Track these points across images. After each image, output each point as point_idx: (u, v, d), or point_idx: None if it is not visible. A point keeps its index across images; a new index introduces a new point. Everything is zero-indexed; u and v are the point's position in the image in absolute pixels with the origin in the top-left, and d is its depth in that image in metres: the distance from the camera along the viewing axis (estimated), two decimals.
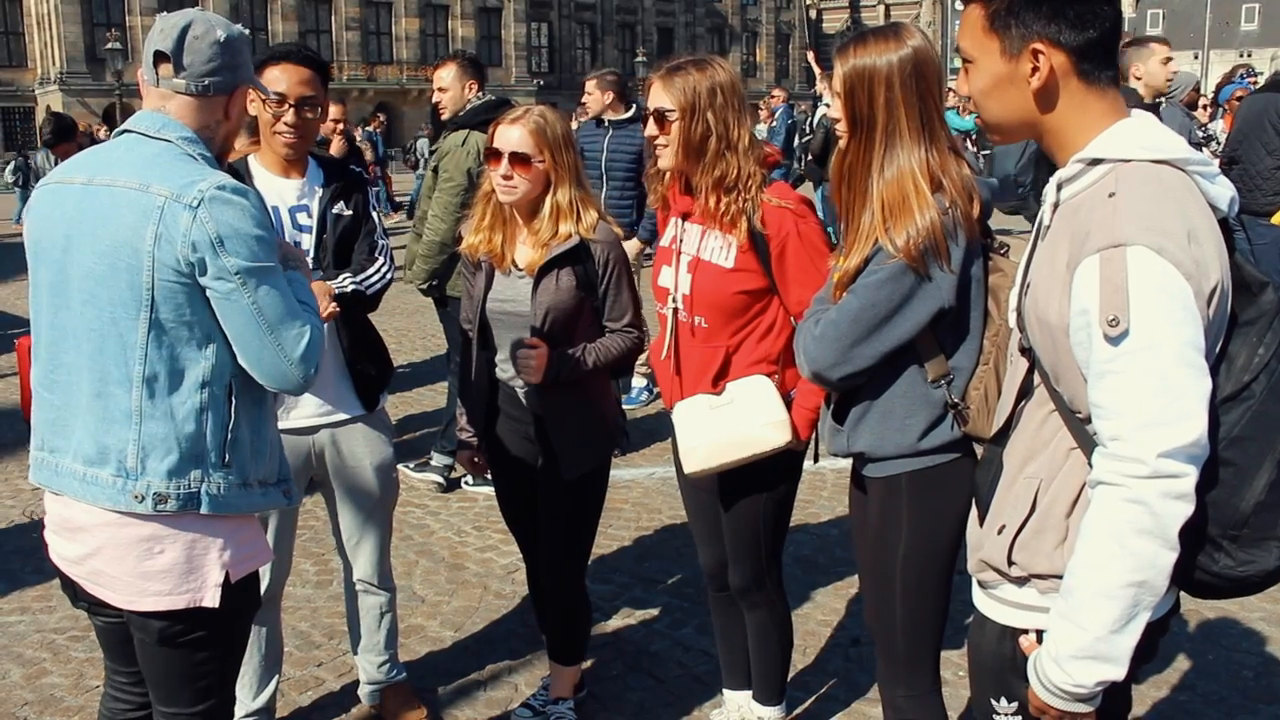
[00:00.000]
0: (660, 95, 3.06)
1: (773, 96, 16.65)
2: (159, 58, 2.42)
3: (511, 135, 3.30)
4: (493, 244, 3.44)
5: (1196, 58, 60.76)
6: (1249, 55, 61.64)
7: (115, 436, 2.36)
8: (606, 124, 7.41)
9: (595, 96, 7.48)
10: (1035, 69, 1.88)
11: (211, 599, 2.44)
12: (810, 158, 12.95)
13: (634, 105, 7.47)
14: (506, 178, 3.29)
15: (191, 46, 2.40)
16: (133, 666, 2.66)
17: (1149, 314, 1.70)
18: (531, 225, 3.37)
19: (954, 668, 3.84)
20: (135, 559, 2.41)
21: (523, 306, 3.39)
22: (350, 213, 3.47)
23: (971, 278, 2.57)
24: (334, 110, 7.44)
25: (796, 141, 14.46)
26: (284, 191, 3.40)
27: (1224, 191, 1.85)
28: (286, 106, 3.29)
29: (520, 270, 3.41)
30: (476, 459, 3.72)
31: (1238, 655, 4.26)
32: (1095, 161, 1.86)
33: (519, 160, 3.28)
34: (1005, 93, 1.94)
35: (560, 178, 3.32)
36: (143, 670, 2.61)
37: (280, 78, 3.27)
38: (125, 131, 2.45)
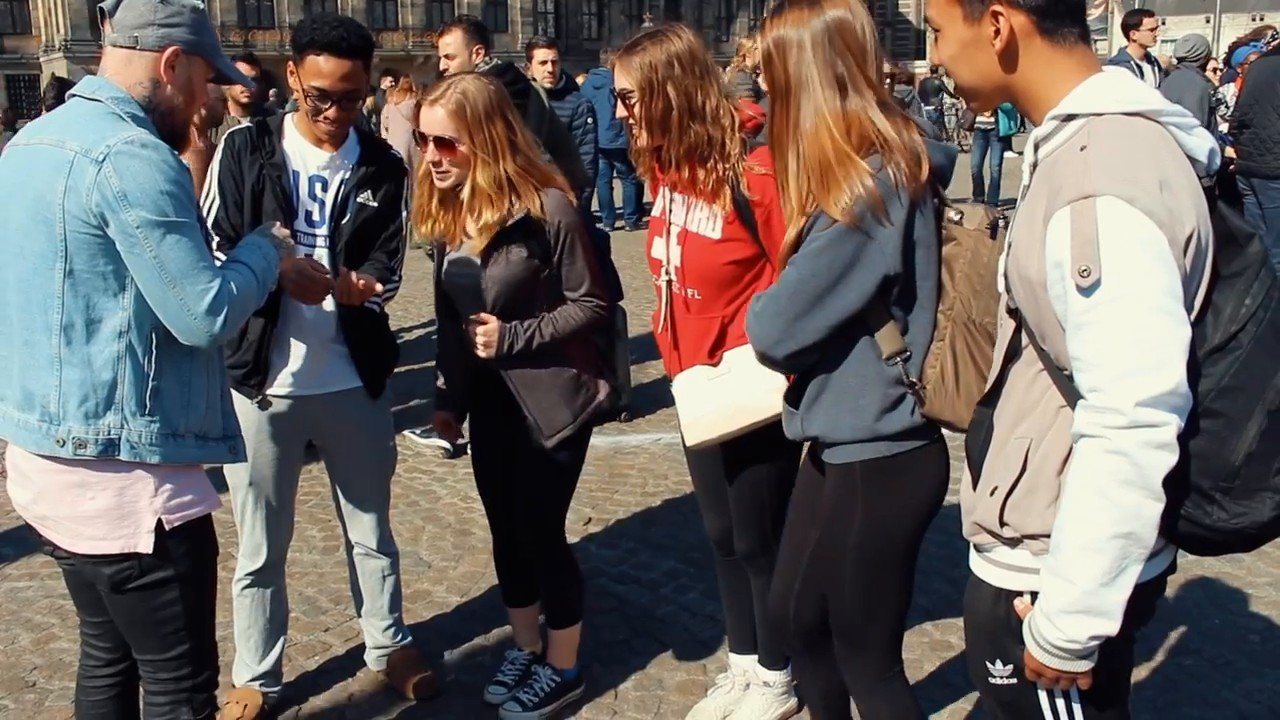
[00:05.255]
0: (620, 77, 3.03)
1: None
2: (102, 15, 2.55)
3: (434, 117, 3.21)
4: (441, 225, 3.39)
5: (1208, 21, 60.19)
6: (1261, 19, 61.02)
7: (40, 383, 2.48)
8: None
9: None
10: (996, 31, 1.90)
11: (145, 545, 2.55)
12: None
13: (563, 76, 7.56)
14: (436, 163, 3.24)
15: (128, 4, 2.51)
16: (99, 615, 2.79)
17: (1120, 263, 1.70)
18: (473, 213, 3.29)
19: (958, 631, 3.84)
20: (69, 503, 2.53)
21: (475, 280, 3.34)
22: (375, 205, 3.38)
23: (918, 242, 2.47)
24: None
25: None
26: (308, 158, 3.35)
27: (1202, 143, 1.85)
28: (329, 104, 3.22)
29: (471, 239, 3.34)
30: (450, 423, 3.73)
31: (1243, 619, 4.26)
32: (1070, 118, 1.87)
33: (443, 145, 3.21)
34: (972, 57, 1.96)
35: (480, 160, 3.20)
36: (114, 620, 2.72)
37: (323, 71, 3.17)
38: (73, 95, 2.55)
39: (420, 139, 3.26)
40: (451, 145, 3.20)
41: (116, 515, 2.53)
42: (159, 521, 2.55)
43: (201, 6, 2.63)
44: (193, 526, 2.63)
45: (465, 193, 3.25)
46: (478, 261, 3.32)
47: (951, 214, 2.54)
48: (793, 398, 2.69)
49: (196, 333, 2.45)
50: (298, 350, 3.40)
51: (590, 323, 3.39)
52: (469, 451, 6.19)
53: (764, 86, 2.63)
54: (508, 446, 3.61)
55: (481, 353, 3.30)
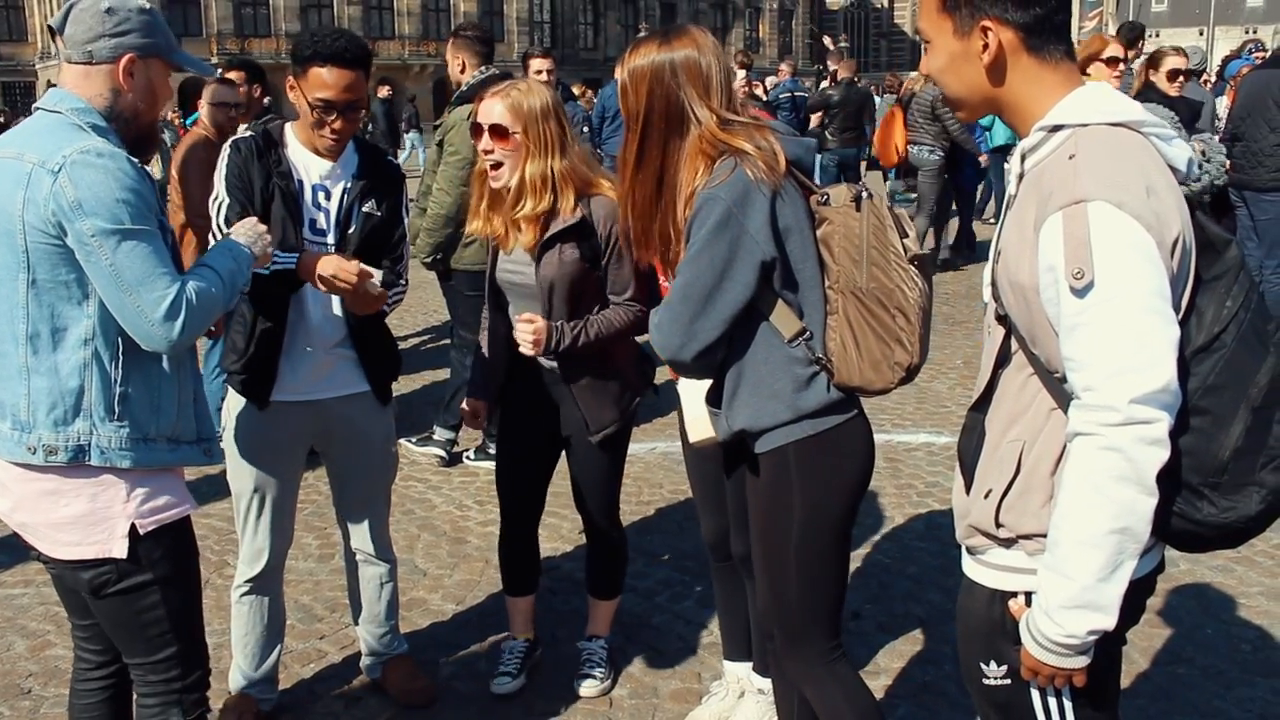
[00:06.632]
0: None
1: (779, 71, 16.60)
2: (53, 33, 2.58)
3: (493, 109, 3.36)
4: (494, 226, 3.50)
5: (1202, 34, 60.50)
6: (1254, 31, 61.27)
7: (10, 392, 2.52)
8: None
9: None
10: (985, 45, 1.96)
11: (120, 550, 2.58)
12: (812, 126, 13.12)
13: (558, 85, 7.62)
14: (488, 152, 3.36)
15: (75, 19, 2.53)
16: (87, 619, 2.81)
17: (1112, 265, 1.76)
18: (515, 205, 3.42)
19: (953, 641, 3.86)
20: (44, 511, 2.57)
21: (528, 278, 3.46)
22: (380, 214, 3.42)
23: (790, 228, 2.61)
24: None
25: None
26: (310, 167, 3.37)
27: (1181, 152, 1.92)
28: (334, 115, 3.24)
29: (522, 234, 3.46)
30: (480, 412, 3.82)
31: (1235, 629, 4.27)
32: (1056, 129, 1.94)
33: (498, 133, 3.34)
34: (961, 69, 2.02)
35: (531, 152, 3.35)
36: (101, 625, 2.75)
37: (327, 83, 3.20)
38: (37, 109, 2.58)
39: (475, 131, 3.39)
40: (506, 134, 3.34)
41: (90, 521, 2.56)
42: (133, 526, 2.58)
43: (148, 6, 2.63)
44: (169, 530, 2.66)
45: (512, 182, 3.38)
46: (531, 260, 3.45)
47: (818, 198, 2.68)
48: (714, 399, 2.80)
49: (155, 339, 2.47)
50: (305, 355, 3.41)
51: (631, 326, 3.52)
52: (465, 461, 6.27)
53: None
54: (540, 445, 3.77)
55: (530, 350, 3.38)
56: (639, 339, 3.69)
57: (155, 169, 12.01)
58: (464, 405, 3.86)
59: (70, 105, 2.51)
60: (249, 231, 2.83)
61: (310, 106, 3.23)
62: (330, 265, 3.15)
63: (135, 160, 2.50)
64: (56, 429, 2.50)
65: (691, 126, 2.65)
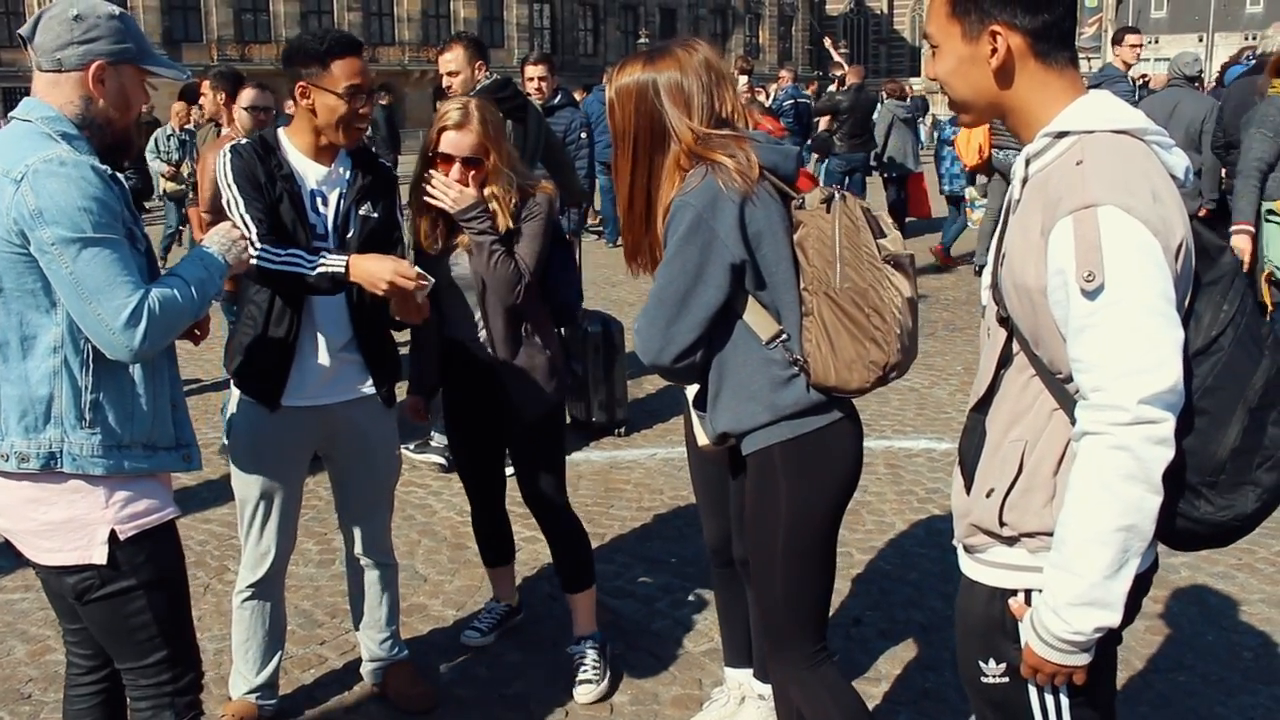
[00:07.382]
0: None
1: (780, 78, 16.62)
2: (23, 42, 2.58)
3: (464, 142, 3.51)
4: (431, 246, 3.69)
5: (1201, 40, 60.54)
6: (1254, 38, 61.42)
7: None
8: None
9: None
10: (994, 50, 1.99)
11: (100, 556, 2.58)
12: (820, 130, 13.16)
13: (559, 91, 7.64)
14: (461, 182, 3.51)
15: (45, 27, 2.53)
16: (76, 623, 2.82)
17: (1122, 268, 1.80)
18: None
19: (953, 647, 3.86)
20: (26, 517, 2.58)
21: (464, 269, 3.65)
22: (377, 216, 3.45)
23: (761, 232, 2.66)
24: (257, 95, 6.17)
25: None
26: (308, 172, 3.39)
27: (1179, 160, 1.97)
28: (364, 99, 3.32)
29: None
30: (420, 407, 4.04)
31: (1237, 636, 4.27)
32: (1061, 135, 1.97)
33: (470, 164, 3.51)
34: (968, 73, 2.06)
35: (502, 172, 3.56)
36: (90, 629, 2.76)
37: (351, 71, 3.27)
38: (12, 118, 2.58)
39: (443, 159, 3.52)
40: (479, 164, 3.51)
41: (70, 527, 2.56)
42: (113, 532, 2.58)
43: (119, 12, 2.62)
44: (152, 535, 2.66)
45: (492, 203, 3.55)
46: (464, 251, 3.61)
47: (795, 203, 2.73)
48: (700, 403, 2.85)
49: (117, 348, 2.46)
50: (313, 360, 3.43)
51: (512, 276, 3.57)
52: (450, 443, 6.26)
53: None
54: (485, 428, 3.95)
55: (445, 205, 3.51)
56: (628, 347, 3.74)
57: (184, 171, 12.05)
58: (408, 401, 4.00)
59: (40, 114, 2.52)
60: (223, 239, 2.81)
61: (342, 98, 3.26)
62: (387, 268, 3.16)
63: (102, 168, 2.49)
64: (28, 436, 2.50)
65: (672, 144, 2.72)
